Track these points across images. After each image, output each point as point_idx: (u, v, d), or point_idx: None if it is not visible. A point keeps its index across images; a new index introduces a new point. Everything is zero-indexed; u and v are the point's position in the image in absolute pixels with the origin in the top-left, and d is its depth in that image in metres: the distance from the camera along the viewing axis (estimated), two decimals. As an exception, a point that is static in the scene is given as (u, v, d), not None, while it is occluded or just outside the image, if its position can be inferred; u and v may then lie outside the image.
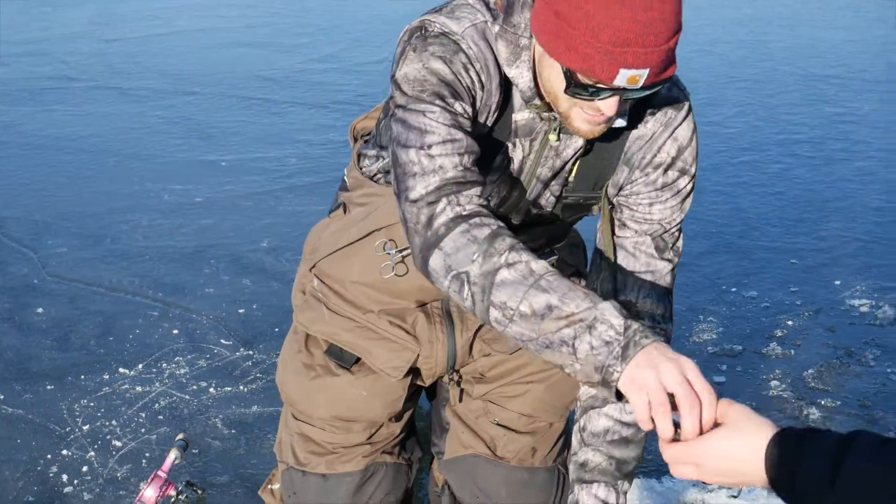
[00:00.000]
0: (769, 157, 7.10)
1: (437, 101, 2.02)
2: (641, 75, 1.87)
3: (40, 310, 4.86)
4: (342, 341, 2.53)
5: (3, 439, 3.86)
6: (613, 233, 2.29)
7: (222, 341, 4.57)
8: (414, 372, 2.58)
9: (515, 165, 2.23)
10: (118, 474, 3.67)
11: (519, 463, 2.68)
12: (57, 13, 11.25)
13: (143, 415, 4.03)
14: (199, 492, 3.46)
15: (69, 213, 6.01)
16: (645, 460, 3.70)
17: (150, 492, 3.28)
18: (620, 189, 2.28)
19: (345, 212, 2.60)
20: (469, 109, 2.06)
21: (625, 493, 2.37)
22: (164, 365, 4.38)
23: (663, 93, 2.20)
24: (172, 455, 3.35)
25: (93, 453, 3.78)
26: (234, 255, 5.36)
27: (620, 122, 2.09)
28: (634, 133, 2.22)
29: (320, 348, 2.61)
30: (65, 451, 3.79)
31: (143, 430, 3.93)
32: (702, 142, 7.25)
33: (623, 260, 2.29)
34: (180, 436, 3.51)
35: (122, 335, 4.62)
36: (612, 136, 2.17)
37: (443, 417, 2.82)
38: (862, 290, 5.03)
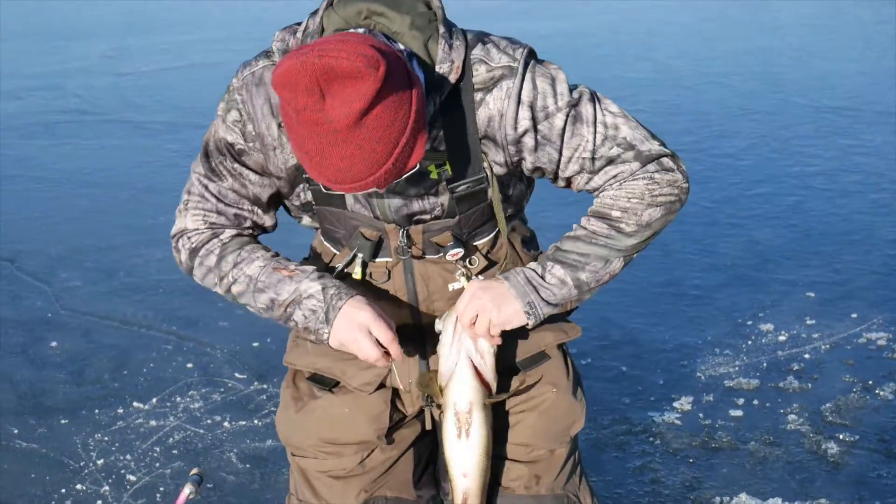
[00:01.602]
0: (783, 189, 7.10)
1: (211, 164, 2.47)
2: (372, 189, 2.15)
3: (54, 343, 4.86)
4: (321, 367, 2.60)
5: (18, 473, 3.85)
6: (514, 192, 2.52)
7: (237, 375, 4.56)
8: (396, 395, 2.62)
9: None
10: (132, 509, 3.66)
11: (525, 492, 2.67)
12: (71, 47, 11.35)
13: (158, 449, 4.02)
14: (214, 527, 3.44)
15: (83, 246, 6.03)
16: (662, 495, 3.68)
17: (165, 527, 3.28)
18: (518, 164, 2.40)
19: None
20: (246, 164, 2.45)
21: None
22: (179, 399, 4.37)
23: (485, 74, 2.30)
24: (187, 490, 3.34)
25: (107, 488, 3.77)
26: (247, 288, 5.35)
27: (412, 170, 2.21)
28: (481, 115, 2.31)
29: (301, 378, 2.68)
30: (79, 486, 3.78)
31: (157, 464, 3.92)
32: (715, 174, 7.26)
33: (597, 198, 2.43)
34: (195, 470, 3.49)
35: (136, 369, 4.62)
36: (456, 123, 2.30)
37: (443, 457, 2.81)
38: (879, 322, 5.01)
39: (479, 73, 2.30)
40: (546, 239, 2.61)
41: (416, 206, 2.41)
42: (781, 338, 4.88)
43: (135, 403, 4.33)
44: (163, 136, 8.35)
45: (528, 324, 2.38)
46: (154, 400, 4.36)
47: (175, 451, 4.01)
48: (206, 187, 2.47)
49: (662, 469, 3.85)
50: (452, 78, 2.26)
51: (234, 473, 3.87)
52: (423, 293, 2.52)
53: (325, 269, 2.56)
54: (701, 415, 4.22)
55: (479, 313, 2.35)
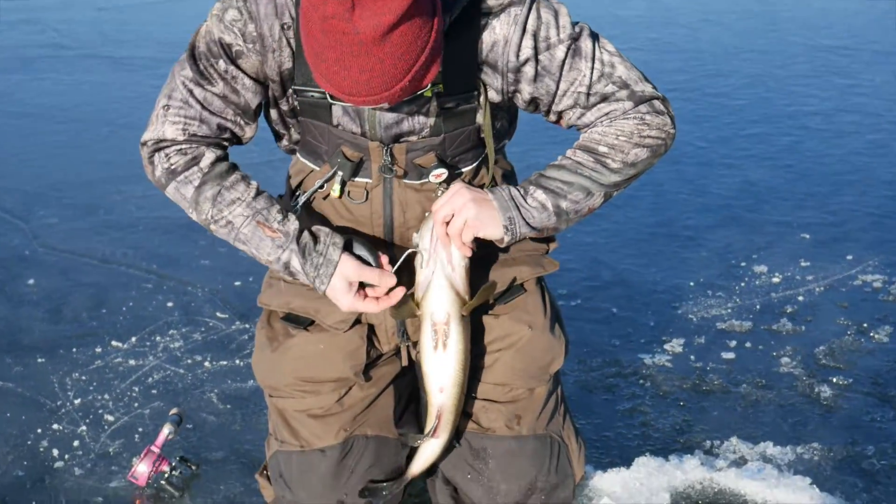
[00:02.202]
0: (779, 129, 7.06)
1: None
2: (381, 105, 2.20)
3: (31, 281, 4.82)
4: (295, 307, 2.61)
5: (-7, 413, 3.83)
6: (497, 128, 2.53)
7: (218, 314, 4.53)
8: (371, 331, 2.64)
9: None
10: (110, 449, 3.63)
11: (506, 432, 2.65)
12: (49, -21, 11.20)
13: (137, 389, 3.99)
14: (194, 468, 3.42)
15: (61, 183, 5.97)
16: (651, 438, 3.67)
17: (142, 467, 3.25)
18: (514, 96, 2.43)
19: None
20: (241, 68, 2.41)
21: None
22: (158, 338, 4.34)
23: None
24: (166, 430, 3.33)
25: (84, 428, 3.74)
26: (230, 226, 5.31)
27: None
28: (486, 39, 2.34)
29: (276, 318, 2.69)
30: (56, 426, 3.75)
31: (136, 404, 3.89)
32: (709, 113, 7.21)
33: (585, 133, 2.47)
34: (174, 410, 3.47)
35: (115, 308, 4.58)
36: (460, 43, 2.32)
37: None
38: (875, 265, 4.99)
39: None
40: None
41: (406, 124, 2.41)
42: (775, 279, 4.85)
43: (113, 342, 4.30)
44: (143, 71, 8.26)
45: (503, 239, 2.40)
46: (133, 339, 4.33)
47: (154, 391, 3.98)
48: (192, 92, 2.42)
49: (652, 412, 3.84)
50: None
51: (215, 414, 3.84)
52: (400, 219, 2.52)
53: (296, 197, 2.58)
54: (692, 357, 4.20)
55: (456, 213, 2.36)
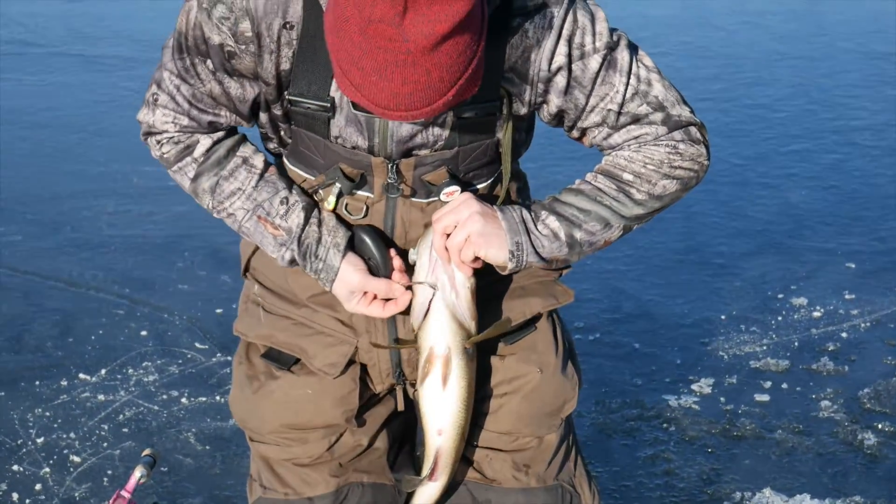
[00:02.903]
0: (823, 145, 7.12)
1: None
2: (417, 119, 2.16)
3: (-10, 306, 4.89)
4: (278, 342, 2.56)
5: (-53, 452, 3.89)
6: (514, 139, 2.47)
7: (197, 345, 4.59)
8: (364, 370, 2.59)
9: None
10: (76, 493, 3.68)
11: (513, 483, 2.64)
12: (13, -32, 11.30)
13: (106, 427, 4.04)
14: (168, 515, 3.47)
15: (25, 196, 6.03)
16: (675, 488, 3.71)
17: (112, 514, 3.29)
18: (539, 108, 2.40)
19: None
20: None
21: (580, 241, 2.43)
22: (131, 371, 4.39)
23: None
24: (138, 473, 3.34)
25: (48, 469, 3.80)
26: (211, 247, 5.37)
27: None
28: (515, 43, 2.30)
29: (255, 354, 2.64)
30: (16, 467, 3.80)
31: (105, 444, 3.95)
32: (746, 127, 7.27)
33: (610, 155, 2.45)
34: (147, 451, 3.48)
35: (83, 336, 4.64)
36: (487, 46, 2.22)
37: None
38: (927, 298, 5.05)
39: None
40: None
41: (420, 138, 2.38)
42: (816, 314, 4.91)
43: (81, 375, 4.35)
44: (118, 72, 8.33)
45: (507, 266, 2.36)
46: (103, 371, 4.38)
47: (125, 430, 4.03)
48: (178, 88, 2.39)
49: (677, 459, 3.88)
50: None
51: (192, 455, 3.89)
52: (402, 240, 2.48)
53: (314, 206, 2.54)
54: (722, 399, 4.25)
55: (459, 225, 2.31)
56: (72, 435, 3.99)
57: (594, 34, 2.33)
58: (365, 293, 2.42)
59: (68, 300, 4.96)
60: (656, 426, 4.08)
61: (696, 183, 2.44)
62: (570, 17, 2.31)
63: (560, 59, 2.31)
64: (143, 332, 4.67)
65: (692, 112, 2.42)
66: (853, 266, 5.38)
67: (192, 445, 3.95)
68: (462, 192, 2.41)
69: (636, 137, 2.39)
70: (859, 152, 7.00)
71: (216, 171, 2.45)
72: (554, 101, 2.36)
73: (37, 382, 4.30)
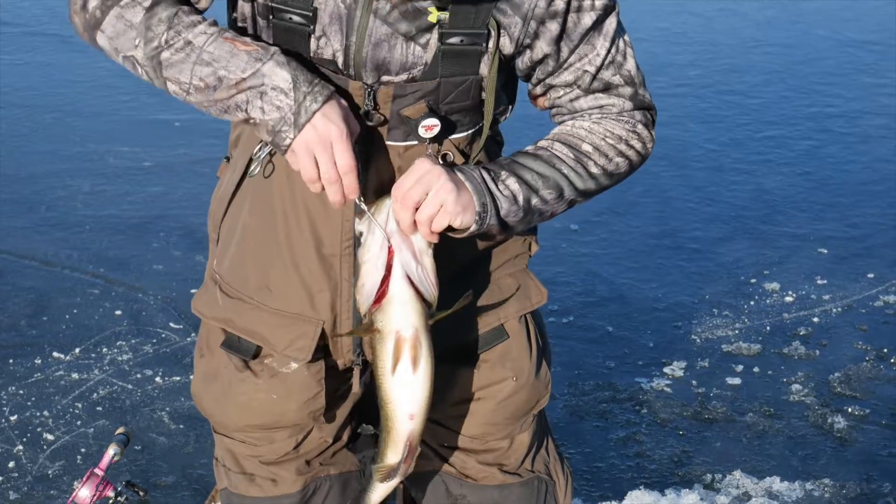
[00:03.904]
0: (798, 132, 7.15)
1: None
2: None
3: (-36, 284, 4.88)
4: (237, 328, 2.44)
5: (-81, 429, 3.88)
6: (496, 90, 2.34)
7: (171, 325, 4.59)
8: (325, 352, 2.47)
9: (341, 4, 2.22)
10: (49, 471, 3.68)
11: (488, 480, 2.62)
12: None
13: (80, 405, 4.05)
14: (141, 493, 3.46)
15: (0, 175, 6.01)
16: (647, 470, 3.73)
17: (84, 492, 3.28)
18: (524, 50, 2.30)
19: (227, 161, 2.57)
20: None
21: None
22: (105, 350, 4.40)
23: None
24: (111, 451, 3.34)
25: (21, 447, 3.80)
26: (186, 227, 5.38)
27: None
28: None
29: (217, 343, 2.51)
30: (-11, 445, 3.81)
31: (78, 422, 3.95)
32: (722, 113, 7.28)
33: (567, 123, 2.37)
34: (121, 430, 3.48)
35: (58, 315, 4.64)
36: None
37: None
38: (898, 284, 5.09)
39: None
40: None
41: (398, 51, 2.26)
42: (788, 298, 4.94)
43: (55, 354, 4.35)
44: (94, 51, 8.26)
45: (471, 228, 2.18)
46: (77, 350, 4.39)
47: (99, 408, 4.03)
48: None
49: (649, 441, 3.91)
50: None
51: (166, 434, 3.90)
52: (374, 182, 2.31)
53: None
54: (694, 382, 4.28)
55: (432, 195, 2.13)
56: (45, 413, 3.99)
57: None
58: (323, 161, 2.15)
59: (43, 279, 4.95)
60: (628, 409, 4.10)
61: (634, 170, 2.40)
62: None
63: (559, 4, 2.25)
64: (118, 312, 4.67)
65: (651, 98, 2.41)
66: (825, 252, 5.42)
67: (165, 424, 3.96)
68: (441, 127, 2.27)
69: (601, 107, 2.35)
70: (833, 139, 7.04)
71: (175, 5, 2.22)
72: (541, 48, 2.29)
73: (10, 361, 4.30)
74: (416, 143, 2.30)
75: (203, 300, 2.53)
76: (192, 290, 4.75)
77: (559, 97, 2.37)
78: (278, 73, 2.13)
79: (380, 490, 2.44)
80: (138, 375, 4.24)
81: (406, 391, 2.26)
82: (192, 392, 2.62)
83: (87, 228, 5.44)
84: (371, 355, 2.27)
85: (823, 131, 7.17)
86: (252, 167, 2.36)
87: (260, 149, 2.34)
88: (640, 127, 2.37)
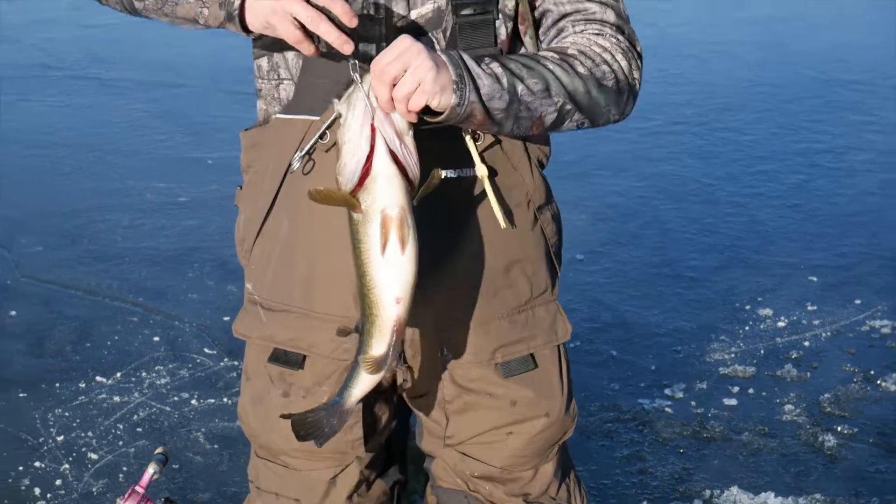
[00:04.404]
0: (788, 167, 7.15)
1: None
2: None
3: (13, 312, 4.90)
4: (282, 341, 2.35)
5: (-28, 449, 3.91)
6: (538, 38, 2.26)
7: (206, 350, 4.61)
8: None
9: None
10: (93, 489, 3.70)
11: None
12: (34, -4, 11.32)
13: (121, 426, 4.06)
14: (179, 509, 3.49)
15: (45, 210, 6.05)
16: (649, 486, 3.75)
17: (127, 508, 3.31)
18: None
19: (241, 189, 2.54)
20: None
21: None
22: (144, 374, 4.42)
23: None
24: (151, 469, 3.36)
25: (67, 466, 3.82)
26: (219, 259, 5.40)
27: None
28: None
29: (263, 363, 2.43)
30: (37, 464, 3.82)
31: (120, 442, 3.97)
32: (717, 149, 7.30)
33: (547, 23, 2.26)
34: (159, 449, 3.49)
35: (100, 341, 4.67)
36: None
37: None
38: (884, 310, 5.08)
39: None
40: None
41: (421, 10, 2.19)
42: (780, 324, 4.94)
43: (98, 378, 4.37)
44: (132, 94, 8.35)
45: (451, 105, 2.00)
46: (118, 374, 4.41)
47: (139, 429, 4.05)
48: None
49: (651, 459, 3.92)
50: None
51: (201, 454, 3.92)
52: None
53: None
54: (693, 403, 4.29)
55: (410, 72, 1.95)
56: (89, 434, 4.01)
57: None
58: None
59: (86, 308, 4.98)
60: (632, 428, 4.11)
61: (622, 94, 2.22)
62: None
63: None
64: (156, 338, 4.70)
65: (636, 37, 2.29)
66: (815, 280, 5.42)
67: (201, 444, 3.97)
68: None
69: (584, 11, 2.23)
70: (821, 173, 7.04)
71: None
72: None
73: (56, 385, 4.32)
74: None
75: (244, 322, 2.45)
76: (225, 318, 4.80)
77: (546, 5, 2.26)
78: None
79: (364, 384, 2.19)
80: (175, 398, 4.26)
81: (392, 273, 2.05)
82: (238, 413, 2.54)
83: (126, 260, 5.47)
84: (354, 239, 2.05)
85: (812, 166, 7.17)
86: (292, 166, 2.26)
87: (298, 148, 2.25)
88: (624, 47, 2.23)
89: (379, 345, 2.09)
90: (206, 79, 8.76)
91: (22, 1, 11.18)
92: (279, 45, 2.24)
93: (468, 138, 2.20)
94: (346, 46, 1.99)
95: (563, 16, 2.22)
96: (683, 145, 7.47)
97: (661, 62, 9.49)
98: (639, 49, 2.25)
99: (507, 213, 2.29)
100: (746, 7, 12.22)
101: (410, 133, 2.01)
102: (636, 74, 2.22)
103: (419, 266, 2.05)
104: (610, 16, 2.23)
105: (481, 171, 2.21)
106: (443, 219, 2.25)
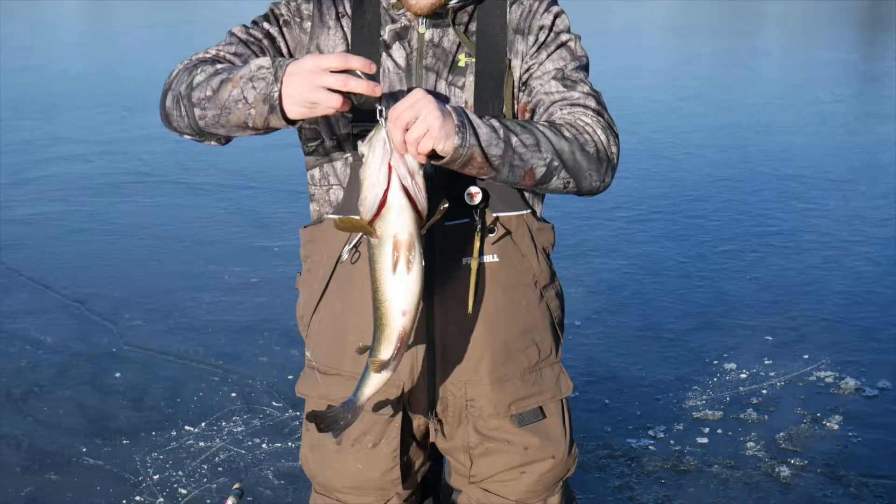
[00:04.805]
0: (747, 246, 7.17)
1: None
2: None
3: (118, 374, 4.95)
4: (335, 399, 2.29)
5: (85, 486, 3.93)
6: (514, 97, 2.24)
7: (274, 403, 4.65)
8: (405, 421, 2.37)
9: (402, 63, 2.21)
10: (183, 518, 3.73)
11: None
12: (134, 117, 11.50)
13: (205, 466, 4.10)
14: (253, 534, 3.49)
15: (144, 290, 6.11)
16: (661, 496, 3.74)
17: (211, 533, 3.33)
18: (530, 67, 2.25)
19: (300, 275, 2.50)
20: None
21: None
22: (224, 423, 4.46)
23: None
24: (230, 502, 3.39)
25: (161, 499, 3.86)
26: (284, 328, 5.44)
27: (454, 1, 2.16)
28: (514, 10, 2.26)
29: None
30: (138, 497, 3.86)
31: (204, 479, 4.01)
32: (689, 233, 7.28)
33: (540, 111, 2.24)
34: (237, 485, 3.51)
35: (188, 397, 4.71)
36: (487, 15, 2.21)
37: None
38: (827, 363, 5.08)
39: None
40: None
41: (451, 94, 2.22)
42: (742, 375, 4.95)
43: (186, 427, 4.42)
44: (213, 195, 8.44)
45: (455, 148, 1.97)
46: (203, 424, 4.45)
47: (220, 469, 4.09)
48: (233, 32, 2.25)
49: (638, 488, 3.92)
50: None
51: (271, 488, 3.95)
52: (440, 265, 2.21)
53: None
54: (672, 441, 4.29)
55: (420, 119, 1.92)
56: (179, 473, 4.05)
57: (564, 21, 2.29)
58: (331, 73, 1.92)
59: (176, 370, 5.03)
60: (622, 463, 4.11)
61: (601, 162, 2.17)
62: (555, 6, 2.30)
63: (545, 20, 2.26)
64: (233, 394, 4.74)
65: (613, 121, 2.27)
66: (770, 339, 5.42)
67: (270, 481, 4.00)
68: (483, 195, 2.20)
69: (569, 98, 2.22)
70: (774, 251, 7.05)
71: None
72: (542, 58, 2.25)
73: (153, 433, 4.37)
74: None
75: (304, 384, 2.46)
76: (289, 376, 4.84)
77: (536, 88, 2.26)
78: (263, 59, 2.01)
79: (373, 382, 2.14)
80: (249, 443, 4.29)
81: (401, 289, 2.02)
82: (300, 457, 2.53)
83: (209, 330, 5.52)
84: (370, 260, 2.03)
85: (767, 245, 7.19)
86: (342, 257, 2.28)
87: (347, 242, 2.28)
88: (603, 125, 2.20)
89: (386, 350, 2.06)
90: (272, 181, 8.86)
91: (122, 122, 11.37)
92: (329, 157, 2.30)
93: (476, 235, 2.21)
94: (376, 90, 1.92)
95: (553, 103, 2.22)
96: (660, 230, 7.50)
97: (641, 162, 9.55)
98: (615, 130, 2.22)
99: (513, 292, 2.32)
100: (712, 115, 12.30)
101: (420, 172, 1.98)
102: (614, 149, 2.19)
103: (423, 285, 2.03)
104: (591, 102, 2.23)
105: (474, 264, 2.23)
106: (464, 299, 2.27)
